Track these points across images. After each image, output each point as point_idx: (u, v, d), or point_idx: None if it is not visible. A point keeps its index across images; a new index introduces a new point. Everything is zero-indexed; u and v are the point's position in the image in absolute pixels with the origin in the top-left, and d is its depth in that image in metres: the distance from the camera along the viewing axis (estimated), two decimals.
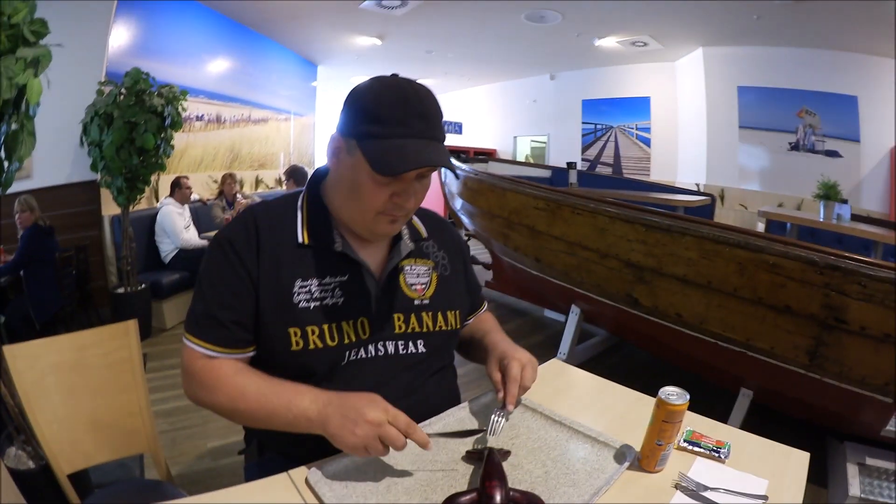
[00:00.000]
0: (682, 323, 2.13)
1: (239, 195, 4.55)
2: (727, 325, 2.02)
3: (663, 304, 2.18)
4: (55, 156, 3.32)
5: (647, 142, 7.46)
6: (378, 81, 0.80)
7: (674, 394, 0.82)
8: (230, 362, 0.83)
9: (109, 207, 3.54)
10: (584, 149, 8.11)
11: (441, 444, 0.86)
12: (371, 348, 0.89)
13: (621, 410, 1.05)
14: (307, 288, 0.84)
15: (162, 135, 3.15)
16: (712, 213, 4.96)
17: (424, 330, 0.94)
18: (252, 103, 5.63)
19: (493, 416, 0.88)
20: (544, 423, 0.96)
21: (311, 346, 0.83)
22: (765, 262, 1.86)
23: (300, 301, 0.83)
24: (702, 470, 0.84)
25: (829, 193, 3.49)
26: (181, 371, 0.85)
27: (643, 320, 2.33)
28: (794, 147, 5.80)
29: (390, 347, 0.90)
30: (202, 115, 4.75)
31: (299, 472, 0.77)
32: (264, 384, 0.80)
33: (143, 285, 3.37)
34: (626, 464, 0.83)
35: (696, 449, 0.90)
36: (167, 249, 3.74)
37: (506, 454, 0.85)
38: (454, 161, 4.08)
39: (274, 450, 0.94)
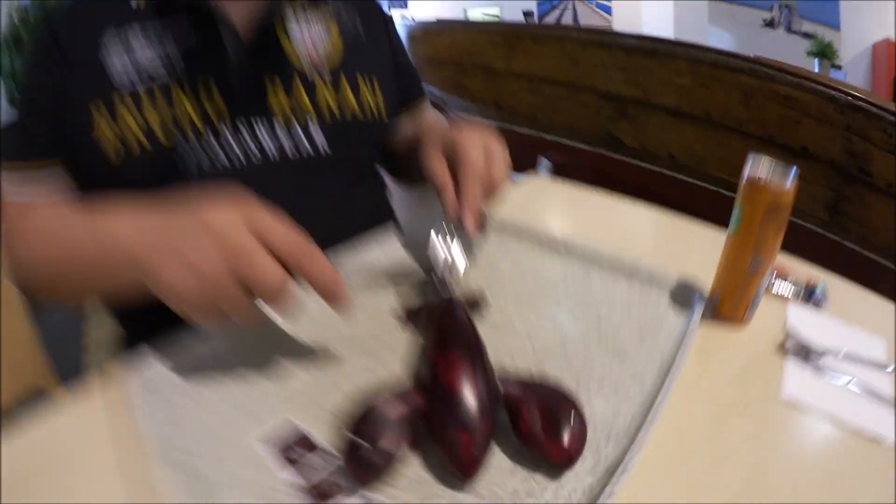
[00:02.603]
0: (675, 166, 1.81)
1: None
2: (731, 168, 1.69)
3: (652, 142, 1.84)
4: None
5: (607, 10, 6.86)
6: None
7: (771, 169, 0.45)
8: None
9: None
10: (540, 18, 7.48)
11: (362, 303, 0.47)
12: (234, 147, 0.53)
13: (654, 238, 0.66)
14: (134, 61, 0.50)
15: None
16: None
17: (325, 117, 0.57)
18: None
19: (434, 239, 0.48)
20: (540, 253, 0.56)
21: (135, 149, 0.50)
22: (775, 93, 1.55)
23: (122, 83, 0.50)
24: (800, 323, 0.50)
25: (826, 52, 3.02)
26: None
27: (627, 166, 2.00)
28: (769, 24, 5.52)
29: (268, 144, 0.55)
30: None
31: None
32: (70, 210, 0.48)
33: None
34: (699, 310, 0.46)
35: (784, 289, 0.55)
36: None
37: (475, 304, 0.47)
38: None
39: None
